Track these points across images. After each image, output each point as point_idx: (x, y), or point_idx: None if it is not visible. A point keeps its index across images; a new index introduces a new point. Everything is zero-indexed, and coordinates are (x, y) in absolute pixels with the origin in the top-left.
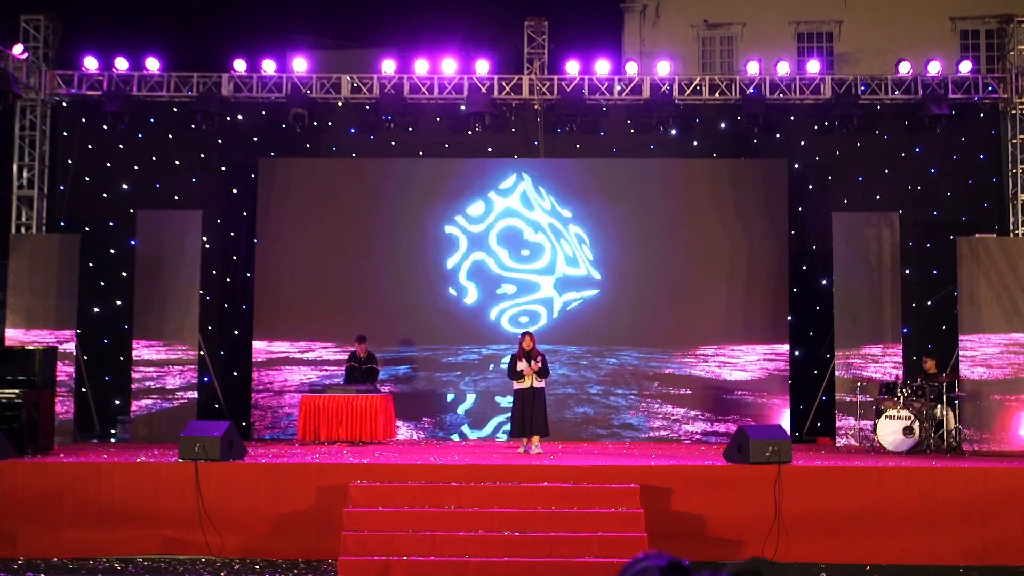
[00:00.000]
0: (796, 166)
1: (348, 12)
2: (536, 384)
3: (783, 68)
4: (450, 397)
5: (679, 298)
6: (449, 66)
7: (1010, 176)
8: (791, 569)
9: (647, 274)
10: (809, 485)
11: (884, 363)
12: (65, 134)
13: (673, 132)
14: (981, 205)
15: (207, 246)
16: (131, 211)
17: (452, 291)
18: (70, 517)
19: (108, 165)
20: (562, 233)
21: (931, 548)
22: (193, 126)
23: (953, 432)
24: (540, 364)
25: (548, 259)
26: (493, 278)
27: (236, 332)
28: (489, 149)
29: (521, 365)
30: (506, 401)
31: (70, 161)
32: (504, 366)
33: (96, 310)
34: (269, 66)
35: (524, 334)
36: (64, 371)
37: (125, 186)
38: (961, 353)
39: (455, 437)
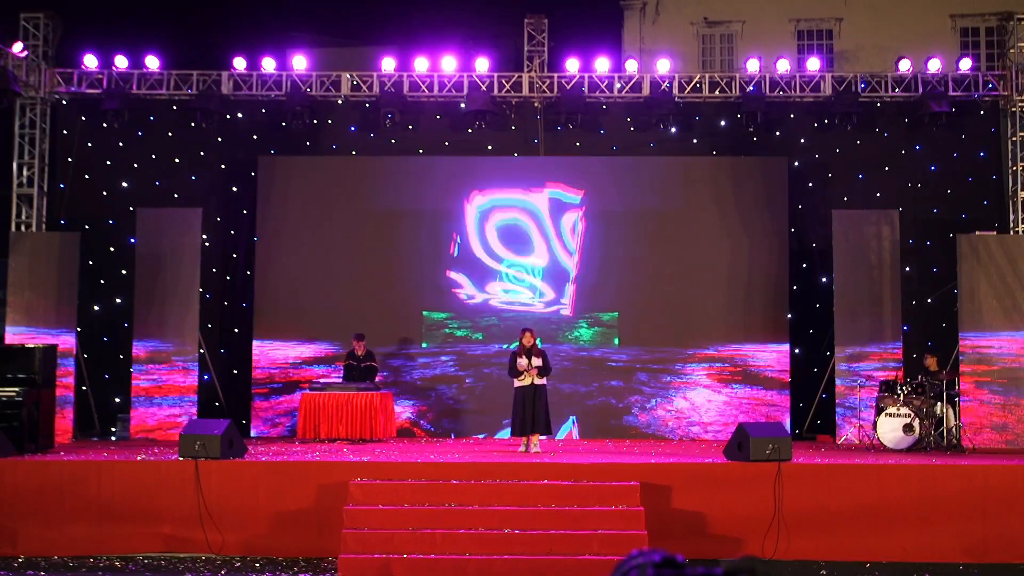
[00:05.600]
0: (796, 164)
1: (348, 10)
2: (537, 381)
3: (783, 66)
4: (450, 395)
5: (679, 296)
6: (449, 64)
7: (1010, 174)
8: (791, 567)
9: (646, 272)
10: (809, 483)
11: (884, 361)
12: (65, 132)
13: (673, 130)
14: (981, 203)
15: (207, 244)
16: (131, 209)
17: (452, 289)
18: (70, 515)
19: (108, 163)
20: (562, 231)
21: (932, 545)
22: (193, 124)
23: (953, 429)
24: (541, 362)
25: (548, 257)
26: (493, 276)
27: (236, 330)
28: (489, 147)
29: (522, 362)
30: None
31: (70, 159)
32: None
33: (96, 308)
34: (269, 64)
35: (524, 331)
36: (64, 369)
37: (125, 184)
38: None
39: (454, 435)
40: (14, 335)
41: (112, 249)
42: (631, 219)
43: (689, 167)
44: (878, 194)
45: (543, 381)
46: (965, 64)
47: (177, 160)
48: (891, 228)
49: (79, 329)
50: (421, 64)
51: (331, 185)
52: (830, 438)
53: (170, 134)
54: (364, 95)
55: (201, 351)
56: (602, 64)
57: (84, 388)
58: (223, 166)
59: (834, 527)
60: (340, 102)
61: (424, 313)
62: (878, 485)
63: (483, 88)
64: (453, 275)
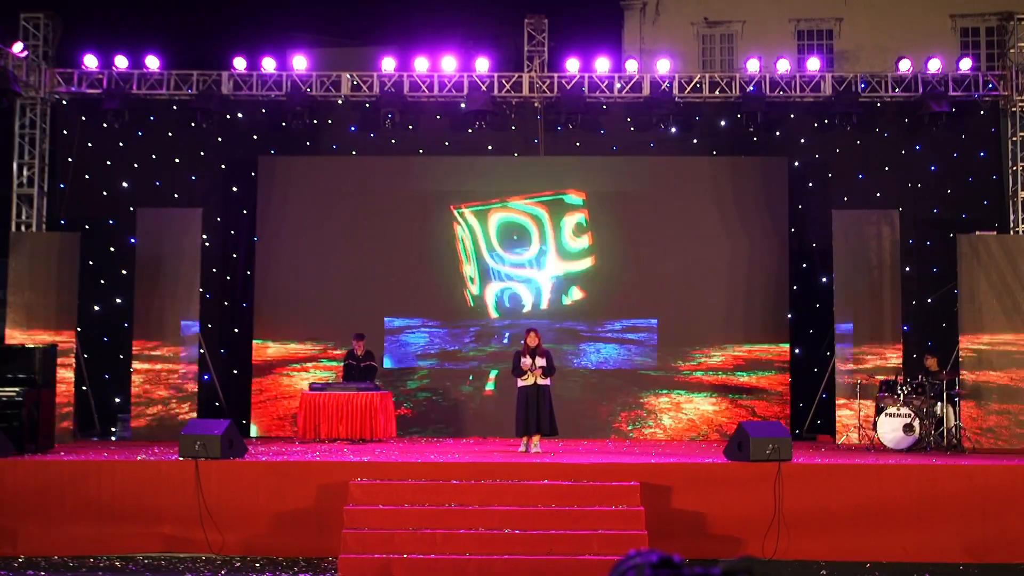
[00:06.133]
0: (796, 164)
1: (348, 10)
2: (541, 382)
3: (783, 66)
4: (450, 395)
5: (679, 296)
6: (449, 64)
7: (1010, 174)
8: (791, 567)
9: (647, 272)
10: (809, 483)
11: (884, 361)
12: (65, 132)
13: (673, 130)
14: (981, 203)
15: (207, 244)
16: (131, 209)
17: (453, 290)
18: (71, 515)
19: (108, 163)
20: (562, 231)
21: (932, 545)
22: (193, 124)
23: (953, 429)
24: (545, 362)
25: (549, 257)
26: (494, 276)
27: (236, 330)
28: (489, 147)
29: (525, 362)
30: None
31: (70, 159)
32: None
33: (96, 308)
34: (269, 64)
35: (529, 331)
36: (64, 369)
37: (125, 184)
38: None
39: (455, 436)
40: (14, 335)
41: (112, 249)
42: (631, 219)
43: (689, 167)
44: (878, 194)
45: (547, 382)
46: (965, 64)
47: (177, 160)
48: (891, 228)
49: (79, 329)
50: (421, 64)
51: (331, 185)
52: (830, 438)
53: (170, 134)
54: (364, 95)
55: (201, 351)
56: (602, 64)
57: (84, 388)
58: (223, 166)
59: (834, 527)
60: (340, 102)
61: (424, 314)
62: (878, 485)
63: (483, 88)
64: (455, 276)
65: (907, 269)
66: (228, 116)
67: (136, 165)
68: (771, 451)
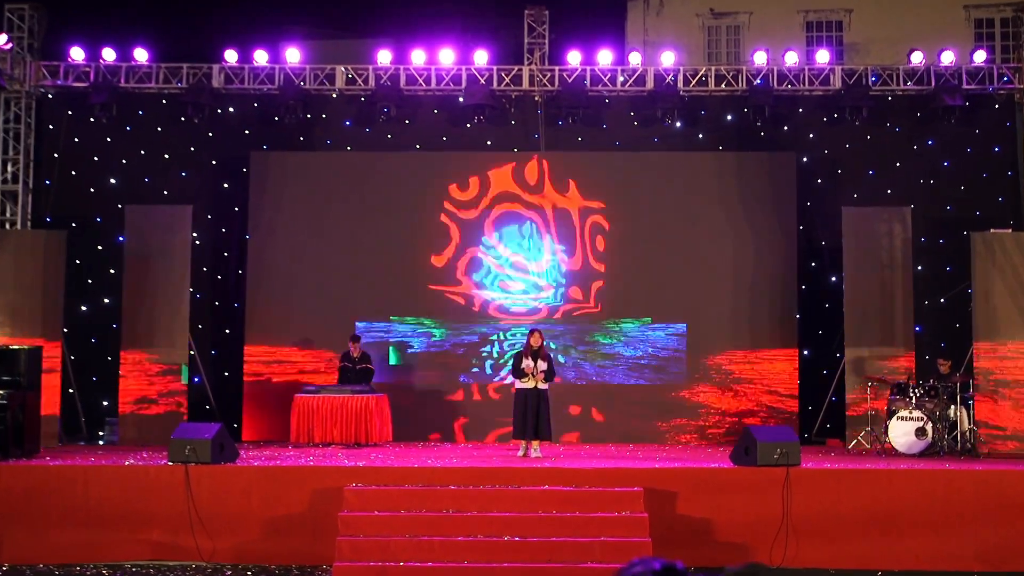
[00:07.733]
0: (804, 159)
1: (343, 1)
2: (540, 386)
3: (791, 58)
4: (448, 397)
5: (683, 296)
6: (447, 57)
7: None
8: (800, 574)
9: (650, 271)
10: (818, 488)
11: (896, 363)
12: (51, 127)
13: (678, 124)
14: (996, 199)
15: (197, 242)
16: (119, 206)
17: (449, 288)
18: (57, 522)
19: (95, 159)
20: (563, 228)
21: (944, 552)
22: (183, 119)
23: (967, 433)
24: (546, 365)
25: (548, 255)
26: (492, 275)
27: (227, 331)
28: (488, 142)
29: (527, 364)
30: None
31: (56, 155)
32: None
33: (83, 308)
34: (261, 57)
35: (532, 331)
36: (50, 371)
37: (113, 180)
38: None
39: (451, 439)
40: None
41: (100, 248)
42: (634, 217)
43: (694, 163)
44: (889, 190)
45: (546, 386)
46: (979, 56)
47: (167, 156)
48: (903, 226)
49: (66, 330)
50: (418, 57)
51: (325, 182)
52: (840, 442)
53: (159, 129)
54: (359, 89)
55: (191, 352)
56: (605, 57)
57: (71, 391)
58: (214, 162)
59: (844, 534)
60: (334, 96)
61: (421, 314)
62: (889, 490)
63: (482, 81)
64: (452, 274)
65: (919, 268)
66: (219, 110)
67: (124, 161)
68: (779, 456)
